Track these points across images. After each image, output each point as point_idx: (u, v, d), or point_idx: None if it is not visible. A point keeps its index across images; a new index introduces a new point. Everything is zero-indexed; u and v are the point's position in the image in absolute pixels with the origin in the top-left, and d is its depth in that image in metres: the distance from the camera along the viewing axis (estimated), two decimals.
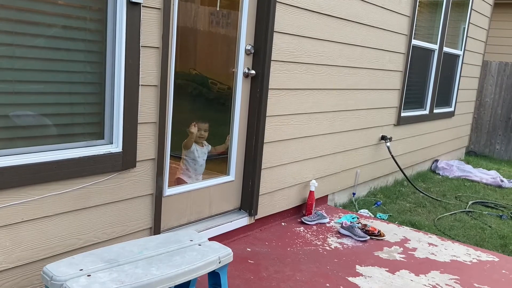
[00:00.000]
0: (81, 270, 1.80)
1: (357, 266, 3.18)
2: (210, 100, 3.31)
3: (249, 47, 3.31)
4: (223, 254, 2.10)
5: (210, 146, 3.36)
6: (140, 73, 2.52)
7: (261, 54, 3.32)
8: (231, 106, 3.35)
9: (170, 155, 2.98)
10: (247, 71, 3.32)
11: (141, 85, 2.55)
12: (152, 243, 2.14)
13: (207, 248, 2.12)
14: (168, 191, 2.95)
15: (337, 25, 3.98)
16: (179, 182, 3.19)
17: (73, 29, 2.24)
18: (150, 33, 2.54)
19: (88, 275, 1.76)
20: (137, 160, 2.60)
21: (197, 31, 3.04)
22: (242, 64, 3.30)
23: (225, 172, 3.43)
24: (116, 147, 2.50)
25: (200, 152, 3.28)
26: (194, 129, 3.22)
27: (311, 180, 4.08)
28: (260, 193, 3.57)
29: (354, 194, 4.91)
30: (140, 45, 2.49)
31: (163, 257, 2.00)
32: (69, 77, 2.27)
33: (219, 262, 2.05)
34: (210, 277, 2.18)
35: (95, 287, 1.68)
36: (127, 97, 2.47)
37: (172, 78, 2.82)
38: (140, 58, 2.50)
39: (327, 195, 4.52)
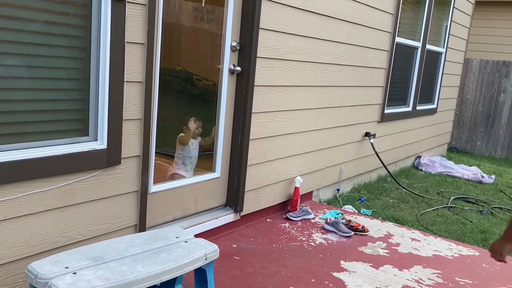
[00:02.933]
0: (67, 268, 1.78)
1: (342, 262, 3.21)
2: (195, 96, 3.30)
3: (234, 44, 3.30)
4: (209, 250, 2.10)
5: (200, 138, 3.37)
6: (125, 69, 2.50)
7: (246, 51, 3.32)
8: (217, 103, 3.34)
9: (157, 152, 2.97)
10: (232, 67, 3.32)
11: (126, 81, 2.53)
12: (138, 240, 2.13)
13: (193, 245, 2.12)
14: (153, 188, 2.94)
15: (322, 22, 4.00)
16: (175, 177, 3.19)
17: (57, 24, 2.22)
18: (135, 29, 2.52)
19: (74, 273, 1.75)
20: (122, 157, 2.59)
21: (182, 27, 3.03)
22: (228, 60, 3.30)
23: (211, 169, 3.43)
24: (100, 144, 2.48)
25: (195, 145, 3.30)
26: (193, 125, 3.23)
27: (296, 177, 4.10)
28: (246, 190, 3.58)
29: (338, 190, 4.95)
30: (125, 41, 2.47)
31: (149, 254, 1.99)
32: (52, 73, 2.24)
33: (206, 259, 2.06)
34: (196, 274, 2.19)
35: (81, 284, 1.67)
36: (112, 93, 2.45)
37: (157, 74, 2.81)
38: (125, 54, 2.48)
39: (312, 191, 4.55)
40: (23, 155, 2.16)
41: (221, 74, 3.30)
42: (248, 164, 3.54)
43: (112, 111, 2.47)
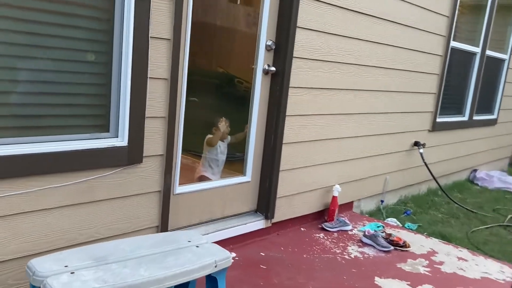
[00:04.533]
0: (66, 266, 1.71)
1: (376, 278, 2.97)
2: (227, 96, 3.21)
3: (269, 43, 3.17)
4: (220, 257, 1.96)
5: (229, 137, 3.26)
6: (149, 65, 2.43)
7: (282, 50, 3.18)
8: (250, 104, 3.22)
9: (186, 152, 2.88)
10: (267, 67, 3.18)
11: (150, 77, 2.46)
12: (148, 242, 2.03)
13: (205, 250, 1.99)
14: (178, 189, 2.85)
15: (367, 23, 3.78)
16: (202, 179, 3.10)
17: (79, 16, 2.18)
18: (160, 24, 2.44)
19: (72, 272, 1.67)
20: (144, 155, 2.51)
21: (214, 24, 2.93)
22: (262, 60, 3.16)
23: (241, 172, 3.31)
24: (121, 141, 2.41)
25: (223, 147, 3.20)
26: (223, 126, 3.14)
27: (334, 185, 3.89)
28: (278, 196, 3.42)
29: (382, 201, 4.67)
30: (150, 35, 2.40)
31: (156, 257, 1.88)
32: (73, 66, 2.21)
33: (215, 266, 1.92)
34: (207, 281, 2.06)
35: (76, 285, 1.59)
36: (134, 89, 2.38)
37: (185, 72, 2.72)
38: (149, 50, 2.41)
39: (353, 202, 4.31)
40: (40, 148, 2.12)
41: (254, 74, 3.17)
42: (281, 169, 3.38)
43: (134, 108, 2.40)
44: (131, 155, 2.44)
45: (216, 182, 3.12)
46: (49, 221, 2.23)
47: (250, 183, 3.33)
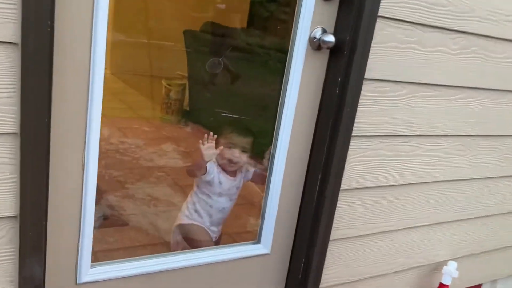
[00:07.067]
0: None
1: None
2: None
3: None
4: None
5: (253, 170, 1.72)
6: None
7: (355, 2, 1.49)
8: (278, 107, 1.60)
9: None
10: (319, 35, 1.52)
11: None
12: None
13: None
14: (90, 272, 1.39)
15: None
16: (187, 230, 1.64)
17: None
18: None
19: None
20: None
21: None
22: (309, 19, 1.51)
23: (252, 236, 1.73)
24: None
25: (228, 183, 1.67)
26: (209, 148, 1.61)
27: (447, 261, 2.13)
28: (321, 285, 1.79)
29: None
30: None
31: None
32: None
33: None
34: None
35: None
36: None
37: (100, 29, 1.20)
38: None
39: (481, 285, 2.48)
40: None
41: (291, 48, 1.54)
42: (332, 238, 1.74)
43: None
44: None
45: (188, 256, 1.59)
46: None
47: (269, 257, 1.74)
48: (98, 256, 2.13)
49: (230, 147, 1.67)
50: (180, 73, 4.62)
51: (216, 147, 1.60)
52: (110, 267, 1.42)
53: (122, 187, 2.99)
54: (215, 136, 1.59)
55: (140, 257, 1.52)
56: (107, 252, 2.09)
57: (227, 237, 2.39)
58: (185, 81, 4.42)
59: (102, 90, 1.23)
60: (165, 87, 4.22)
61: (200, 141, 1.58)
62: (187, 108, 4.34)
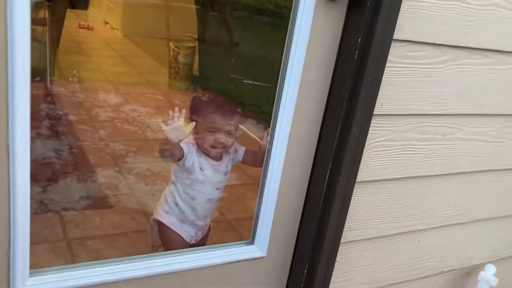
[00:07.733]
0: None
1: None
2: None
3: None
4: None
5: (243, 149, 1.40)
6: None
7: None
8: (277, 83, 1.24)
9: None
10: None
11: None
12: None
13: None
14: (28, 283, 1.09)
15: None
16: (163, 230, 1.33)
17: None
18: None
19: None
20: None
21: None
22: None
23: (244, 235, 1.41)
24: None
25: (212, 171, 1.34)
26: (175, 130, 1.27)
27: (485, 264, 1.78)
28: None
29: None
30: None
31: None
32: None
33: None
34: None
35: None
36: None
37: None
38: None
39: None
40: None
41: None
42: (344, 240, 1.40)
43: None
44: None
45: (169, 260, 1.27)
46: None
47: (264, 260, 1.42)
48: (72, 246, 1.85)
49: (212, 132, 1.32)
50: (190, 34, 4.26)
51: (197, 128, 1.26)
52: (56, 276, 1.12)
53: (121, 161, 2.73)
54: (184, 110, 1.25)
55: (102, 261, 1.22)
56: (82, 240, 1.82)
57: (225, 224, 2.09)
58: (195, 44, 4.07)
59: (29, 41, 0.89)
60: (173, 50, 3.88)
61: (164, 120, 1.24)
62: (197, 74, 4.00)
